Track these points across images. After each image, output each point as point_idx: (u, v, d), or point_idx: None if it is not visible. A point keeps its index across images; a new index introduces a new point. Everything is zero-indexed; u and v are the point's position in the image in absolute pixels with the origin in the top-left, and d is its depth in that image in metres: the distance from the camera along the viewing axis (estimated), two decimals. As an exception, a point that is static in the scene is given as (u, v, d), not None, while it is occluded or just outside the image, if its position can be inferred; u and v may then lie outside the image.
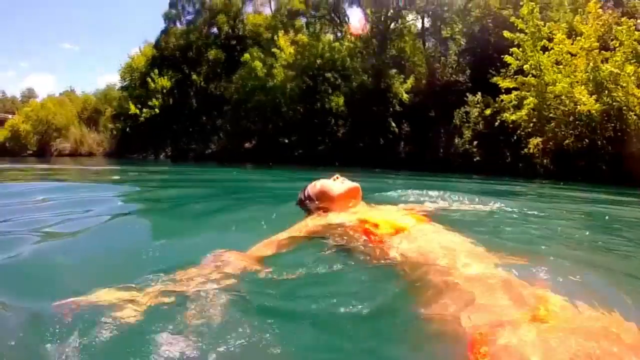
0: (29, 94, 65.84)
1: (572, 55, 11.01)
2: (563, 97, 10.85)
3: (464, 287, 1.13)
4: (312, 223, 1.60)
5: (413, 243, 1.36)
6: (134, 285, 1.09)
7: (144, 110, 26.67)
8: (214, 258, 1.27)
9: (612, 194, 5.83)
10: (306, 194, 1.85)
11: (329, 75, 18.33)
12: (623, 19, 10.43)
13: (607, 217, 3.04)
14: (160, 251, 1.60)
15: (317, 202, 1.78)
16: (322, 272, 1.27)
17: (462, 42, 19.24)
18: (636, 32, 9.91)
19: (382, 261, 1.33)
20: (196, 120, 24.07)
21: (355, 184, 1.77)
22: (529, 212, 2.64)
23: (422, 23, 20.75)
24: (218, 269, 1.20)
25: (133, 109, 27.09)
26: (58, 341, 0.88)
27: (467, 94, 16.43)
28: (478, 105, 16.07)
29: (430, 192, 2.71)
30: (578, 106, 10.49)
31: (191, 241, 1.83)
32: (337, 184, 1.76)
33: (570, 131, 11.13)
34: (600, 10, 11.27)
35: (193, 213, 2.79)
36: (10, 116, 48.41)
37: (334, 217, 1.61)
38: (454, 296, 1.10)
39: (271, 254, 1.40)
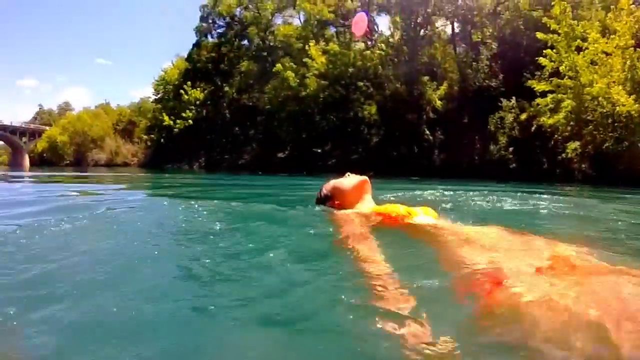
0: (65, 107, 67.62)
1: (607, 54, 10.64)
2: (600, 99, 10.48)
3: (477, 239, 1.29)
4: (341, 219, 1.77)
5: (427, 221, 1.59)
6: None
7: (178, 121, 27.29)
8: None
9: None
10: (322, 193, 2.06)
11: (360, 84, 18.35)
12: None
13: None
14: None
15: (332, 198, 1.98)
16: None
17: (493, 46, 18.95)
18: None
19: (403, 233, 1.54)
20: (229, 131, 24.47)
21: (364, 177, 1.94)
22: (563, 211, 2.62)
23: (452, 28, 20.59)
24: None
25: (167, 121, 27.77)
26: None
27: (501, 99, 16.18)
28: (513, 111, 15.77)
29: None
30: (616, 107, 10.11)
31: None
32: (348, 179, 1.96)
33: (610, 133, 10.76)
34: (633, 7, 10.89)
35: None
36: (47, 128, 50.76)
37: (347, 212, 1.81)
38: (467, 247, 1.25)
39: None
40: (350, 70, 18.67)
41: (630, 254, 1.55)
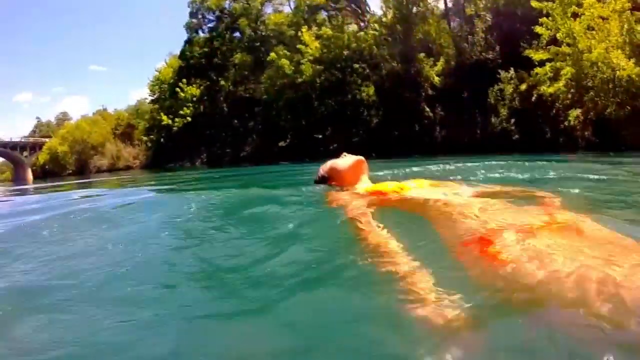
0: (63, 117, 67.43)
1: (603, 19, 10.43)
2: (600, 64, 10.28)
3: (474, 204, 1.31)
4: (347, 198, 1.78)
5: (421, 193, 1.61)
6: None
7: (176, 119, 27.19)
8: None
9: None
10: (320, 174, 2.11)
11: (356, 65, 18.15)
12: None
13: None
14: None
15: (329, 178, 2.03)
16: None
17: (487, 19, 18.65)
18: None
19: (396, 209, 1.57)
20: (228, 125, 24.36)
21: (359, 157, 1.97)
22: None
23: (445, 3, 20.26)
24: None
25: (165, 120, 27.67)
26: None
27: (500, 71, 15.98)
28: (512, 82, 15.57)
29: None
30: (617, 72, 9.93)
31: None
32: (343, 159, 2.00)
33: (611, 99, 10.54)
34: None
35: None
36: (47, 140, 50.52)
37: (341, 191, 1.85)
38: (464, 211, 1.26)
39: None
40: (345, 52, 18.46)
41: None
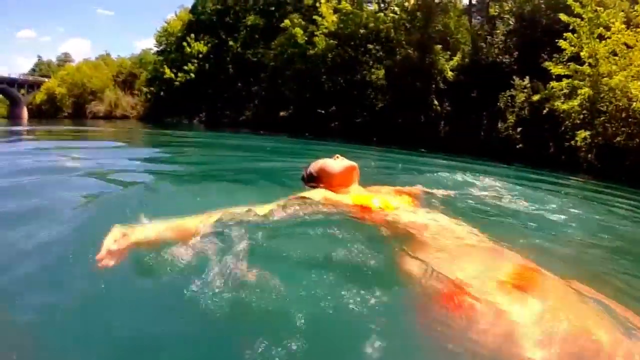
0: (65, 58, 66.95)
1: (628, 47, 10.21)
2: (617, 91, 10.14)
3: (446, 245, 1.26)
4: (309, 194, 1.67)
5: (400, 218, 1.50)
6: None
7: (179, 74, 26.74)
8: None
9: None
10: (308, 171, 1.99)
11: (371, 46, 17.73)
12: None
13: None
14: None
15: (317, 179, 1.91)
16: (315, 234, 1.35)
17: (510, 22, 18.31)
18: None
19: (373, 227, 1.46)
20: (232, 87, 23.85)
21: (353, 163, 1.88)
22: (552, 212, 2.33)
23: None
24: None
25: (168, 73, 27.20)
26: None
27: (514, 77, 15.74)
28: (525, 90, 15.36)
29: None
30: (633, 102, 9.78)
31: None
32: (336, 162, 1.88)
33: (622, 128, 10.44)
34: (661, 2, 10.42)
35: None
36: (46, 80, 50.28)
37: (330, 194, 1.70)
38: (436, 252, 1.21)
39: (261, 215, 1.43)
40: (362, 31, 17.99)
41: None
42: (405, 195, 1.82)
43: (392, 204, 1.61)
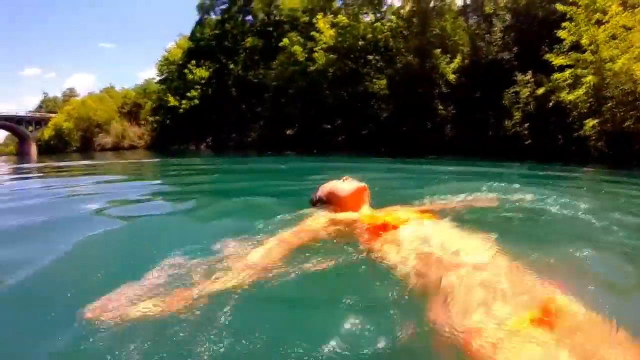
0: (70, 93, 67.17)
1: (627, 29, 10.07)
2: (622, 75, 9.96)
3: (463, 286, 1.14)
4: (314, 223, 1.64)
5: (413, 239, 1.40)
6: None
7: (183, 101, 26.96)
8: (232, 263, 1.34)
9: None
10: (317, 196, 1.95)
11: (370, 57, 17.78)
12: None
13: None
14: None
15: (327, 203, 1.88)
16: (326, 267, 1.33)
17: (506, 18, 18.24)
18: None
19: (383, 259, 1.38)
20: (236, 110, 24.02)
21: (362, 184, 1.84)
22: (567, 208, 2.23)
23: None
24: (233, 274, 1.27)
25: (172, 101, 27.44)
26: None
27: (516, 73, 15.62)
28: (529, 85, 15.21)
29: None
30: (639, 85, 9.63)
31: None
32: (345, 184, 1.85)
33: (631, 112, 10.24)
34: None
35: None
36: (53, 115, 50.80)
37: (339, 216, 1.68)
38: (451, 295, 1.12)
39: (282, 257, 1.42)
40: (360, 43, 18.08)
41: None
42: (422, 211, 1.74)
43: (404, 218, 1.55)
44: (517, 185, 2.54)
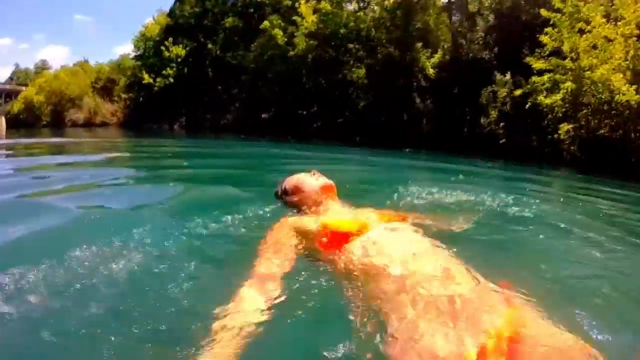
0: (43, 66, 65.35)
1: (608, 40, 10.26)
2: (599, 85, 10.18)
3: (415, 311, 1.09)
4: (276, 236, 1.55)
5: (369, 251, 1.34)
6: None
7: (158, 79, 26.30)
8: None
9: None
10: (283, 187, 1.92)
11: (351, 46, 17.64)
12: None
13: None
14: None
15: (291, 196, 1.85)
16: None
17: (490, 18, 18.39)
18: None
19: (337, 271, 1.35)
20: (212, 90, 23.50)
21: (329, 182, 1.81)
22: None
23: (449, -5, 19.87)
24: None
25: (147, 79, 26.73)
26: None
27: (495, 73, 15.79)
28: (507, 85, 15.41)
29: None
30: (615, 95, 9.81)
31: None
32: (312, 179, 1.82)
33: (605, 120, 10.54)
34: (643, -4, 10.56)
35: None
36: (24, 88, 49.09)
37: (298, 222, 1.61)
38: (401, 318, 1.07)
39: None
40: (342, 31, 17.88)
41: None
42: (394, 215, 1.66)
43: (368, 223, 1.47)
44: (487, 193, 2.51)
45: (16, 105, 46.59)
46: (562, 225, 2.07)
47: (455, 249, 1.35)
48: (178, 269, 1.34)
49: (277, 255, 1.40)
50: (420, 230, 1.50)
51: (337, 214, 1.67)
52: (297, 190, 1.83)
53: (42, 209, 2.30)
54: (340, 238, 1.41)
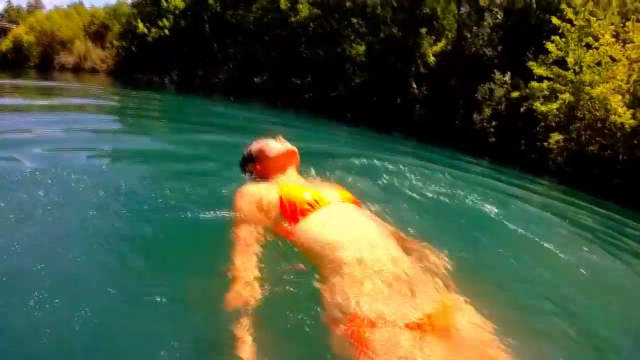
0: (36, 4, 64.41)
1: (613, 60, 10.28)
2: (597, 102, 10.26)
3: (363, 277, 1.19)
4: (242, 211, 1.59)
5: (325, 224, 1.41)
6: None
7: (153, 30, 25.59)
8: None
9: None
10: (249, 151, 1.96)
11: (355, 20, 17.33)
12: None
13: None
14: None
15: (255, 160, 1.90)
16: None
17: (498, 16, 18.23)
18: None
19: (291, 243, 1.42)
20: (207, 47, 22.93)
21: (292, 147, 1.86)
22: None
23: (461, -15, 19.60)
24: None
25: (141, 28, 26.03)
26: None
27: (495, 71, 15.76)
28: (505, 86, 15.40)
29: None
30: (611, 115, 9.87)
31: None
32: (276, 144, 1.87)
33: (597, 137, 10.59)
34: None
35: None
36: (14, 26, 47.87)
37: (257, 190, 1.65)
38: (350, 285, 1.17)
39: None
40: (348, 4, 17.54)
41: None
42: (346, 191, 1.71)
43: (326, 197, 1.51)
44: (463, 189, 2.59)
45: (4, 44, 45.02)
46: (523, 229, 2.18)
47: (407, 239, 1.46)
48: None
49: (245, 225, 1.49)
50: (378, 218, 1.59)
51: (296, 181, 1.74)
52: (261, 154, 1.86)
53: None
54: (294, 209, 1.46)
